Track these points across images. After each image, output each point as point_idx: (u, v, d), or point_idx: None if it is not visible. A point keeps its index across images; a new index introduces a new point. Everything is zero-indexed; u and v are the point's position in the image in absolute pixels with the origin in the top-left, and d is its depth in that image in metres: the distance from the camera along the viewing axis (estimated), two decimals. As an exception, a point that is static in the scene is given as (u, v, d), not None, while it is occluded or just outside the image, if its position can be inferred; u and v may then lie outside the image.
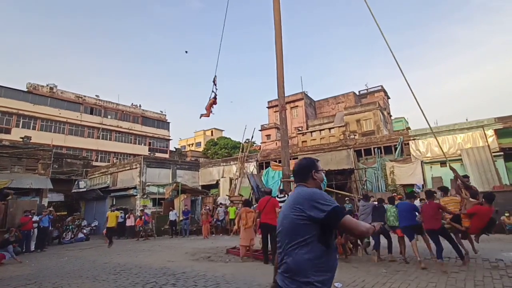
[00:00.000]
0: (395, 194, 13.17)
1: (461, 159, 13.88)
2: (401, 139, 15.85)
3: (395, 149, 15.98)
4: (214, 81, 9.86)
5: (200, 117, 9.92)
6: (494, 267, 5.26)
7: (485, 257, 6.09)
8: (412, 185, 14.79)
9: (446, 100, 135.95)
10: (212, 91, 9.90)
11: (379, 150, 16.40)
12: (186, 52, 69.14)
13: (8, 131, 26.34)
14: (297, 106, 42.47)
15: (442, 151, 9.82)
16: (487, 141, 13.50)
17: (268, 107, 45.34)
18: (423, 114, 6.47)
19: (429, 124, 6.97)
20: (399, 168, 15.24)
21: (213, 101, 9.91)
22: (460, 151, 13.95)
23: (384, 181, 15.45)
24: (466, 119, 15.44)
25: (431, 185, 14.15)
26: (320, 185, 1.83)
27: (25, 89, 29.92)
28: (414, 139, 15.51)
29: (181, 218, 15.37)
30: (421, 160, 14.90)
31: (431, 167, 14.81)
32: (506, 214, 10.50)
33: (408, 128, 28.14)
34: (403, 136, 16.22)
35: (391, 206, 6.88)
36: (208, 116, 9.94)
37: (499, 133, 13.71)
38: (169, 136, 40.48)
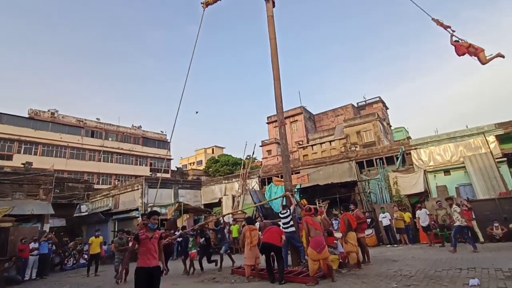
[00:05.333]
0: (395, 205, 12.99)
1: (464, 167, 13.77)
2: (402, 149, 15.80)
3: (397, 159, 15.90)
4: (439, 23, 7.76)
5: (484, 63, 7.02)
6: (508, 277, 5.09)
7: (497, 266, 5.91)
8: (417, 195, 14.60)
9: (443, 108, 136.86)
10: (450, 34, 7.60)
11: (381, 161, 16.31)
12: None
13: (10, 158, 26.42)
14: (296, 120, 42.74)
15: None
16: (489, 148, 13.43)
17: (268, 123, 45.63)
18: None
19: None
20: (402, 178, 15.09)
21: (458, 48, 7.46)
22: (462, 159, 13.86)
23: (388, 192, 15.26)
24: (466, 126, 15.46)
25: (436, 194, 13.97)
26: None
27: (27, 115, 30.29)
28: (415, 149, 15.45)
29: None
30: (424, 169, 14.78)
31: (434, 175, 14.66)
32: (516, 221, 10.25)
33: (409, 138, 28.14)
34: (405, 145, 16.18)
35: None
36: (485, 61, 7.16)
37: (500, 139, 13.67)
38: (170, 156, 40.50)
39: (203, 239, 9.19)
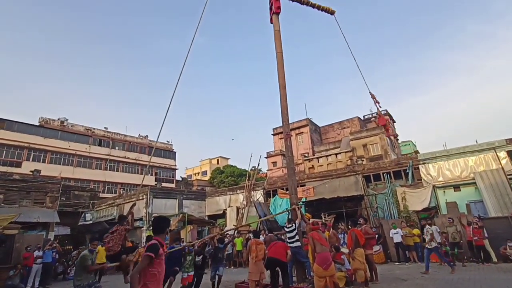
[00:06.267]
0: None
1: (475, 183, 13.45)
2: (410, 163, 15.55)
3: (406, 174, 15.62)
4: (372, 97, 9.63)
5: (389, 136, 10.83)
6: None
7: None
8: (426, 211, 14.25)
9: (452, 122, 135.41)
10: (377, 108, 9.87)
11: (388, 175, 16.06)
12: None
13: (18, 165, 26.84)
14: (302, 132, 42.67)
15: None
16: (500, 164, 13.15)
17: (273, 134, 45.64)
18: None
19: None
20: (410, 193, 14.79)
21: (379, 119, 10.20)
22: (473, 174, 13.56)
23: (396, 207, 14.94)
24: (476, 141, 15.20)
25: (446, 211, 13.62)
26: None
27: (37, 123, 30.94)
28: (424, 163, 15.20)
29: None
30: (433, 184, 14.49)
31: (444, 191, 14.34)
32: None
33: (417, 152, 27.76)
34: (413, 160, 15.93)
35: None
36: (394, 135, 10.34)
37: (511, 155, 13.40)
38: (176, 166, 40.65)
39: (200, 257, 7.73)
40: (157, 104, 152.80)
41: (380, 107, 9.52)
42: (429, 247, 8.72)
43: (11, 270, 10.48)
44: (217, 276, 7.84)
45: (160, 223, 3.24)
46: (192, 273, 7.28)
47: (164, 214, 19.47)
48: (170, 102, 7.03)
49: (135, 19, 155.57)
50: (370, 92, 9.50)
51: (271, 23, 9.36)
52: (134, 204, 7.58)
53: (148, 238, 7.99)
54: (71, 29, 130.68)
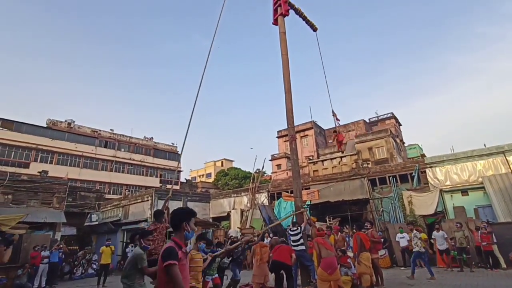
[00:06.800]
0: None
1: (483, 187, 13.24)
2: (417, 167, 15.39)
3: (412, 177, 15.45)
4: (333, 114, 10.38)
5: (342, 152, 11.51)
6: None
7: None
8: (433, 215, 14.07)
9: (459, 126, 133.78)
10: (335, 126, 10.64)
11: (394, 179, 15.89)
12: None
13: (27, 166, 27.22)
14: (307, 135, 42.57)
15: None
16: (510, 168, 12.92)
17: (278, 137, 45.60)
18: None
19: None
20: (417, 197, 14.62)
21: (336, 136, 10.66)
22: (481, 179, 13.35)
23: (402, 211, 14.77)
24: (484, 145, 14.97)
25: (453, 215, 13.42)
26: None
27: (45, 125, 31.41)
28: (431, 167, 15.01)
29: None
30: (440, 188, 14.29)
31: (451, 196, 14.14)
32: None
33: (423, 155, 27.49)
34: (419, 163, 15.76)
35: None
36: (342, 151, 10.96)
37: (521, 159, 13.17)
38: (180, 168, 40.82)
39: (229, 259, 7.17)
40: (161, 106, 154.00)
41: (339, 125, 10.46)
42: (419, 250, 8.81)
43: (19, 269, 10.61)
44: (235, 282, 7.55)
45: (173, 219, 2.51)
46: (216, 275, 6.57)
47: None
48: (193, 111, 6.86)
49: (137, 20, 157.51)
50: (332, 110, 10.26)
51: (275, 24, 9.36)
52: (170, 197, 6.92)
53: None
54: (71, 29, 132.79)
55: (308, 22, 10.13)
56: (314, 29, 10.39)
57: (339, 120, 10.64)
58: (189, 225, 2.45)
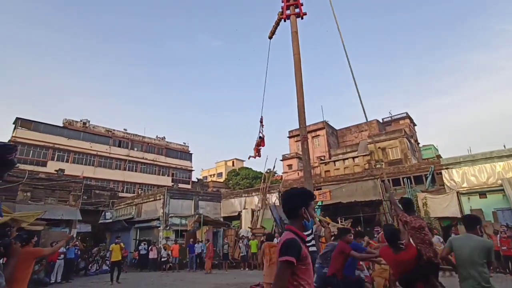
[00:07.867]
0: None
1: (503, 190, 12.79)
2: (432, 168, 15.00)
3: (426, 178, 15.08)
4: (261, 122, 10.22)
5: (249, 158, 10.75)
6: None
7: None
8: (449, 218, 13.68)
9: (477, 126, 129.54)
10: (259, 132, 10.26)
11: (408, 180, 15.55)
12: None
13: (44, 164, 28.14)
14: (318, 135, 42.18)
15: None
16: (530, 170, 12.45)
17: (289, 137, 45.38)
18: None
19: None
20: (432, 199, 14.25)
21: (260, 142, 10.28)
22: (501, 181, 12.89)
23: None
24: (504, 146, 14.43)
25: (471, 218, 13.00)
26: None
27: (61, 125, 32.36)
28: (447, 168, 14.61)
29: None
30: (456, 190, 13.89)
31: (468, 198, 13.72)
32: None
33: (439, 156, 26.77)
34: (435, 164, 15.36)
35: None
36: (255, 157, 10.43)
37: (542, 161, 12.64)
38: (192, 167, 41.25)
39: None
40: (172, 106, 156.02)
41: (262, 132, 10.24)
42: None
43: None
44: None
45: (288, 202, 1.95)
46: None
47: (180, 215, 19.81)
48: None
49: (144, 20, 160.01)
50: (262, 116, 10.24)
51: (283, 19, 9.21)
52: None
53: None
54: (71, 29, 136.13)
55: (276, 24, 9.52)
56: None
57: (263, 126, 10.36)
58: (308, 211, 1.87)
